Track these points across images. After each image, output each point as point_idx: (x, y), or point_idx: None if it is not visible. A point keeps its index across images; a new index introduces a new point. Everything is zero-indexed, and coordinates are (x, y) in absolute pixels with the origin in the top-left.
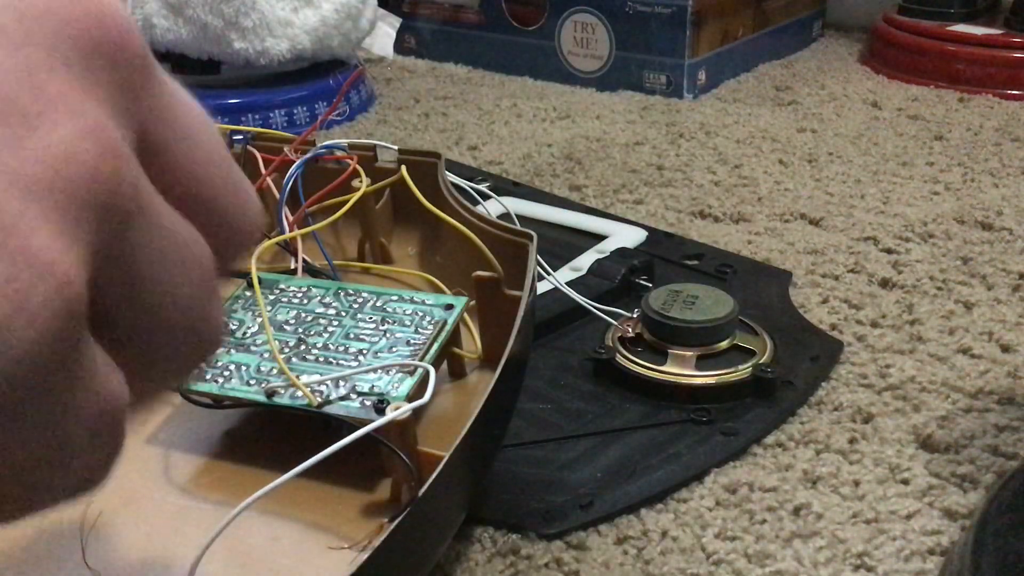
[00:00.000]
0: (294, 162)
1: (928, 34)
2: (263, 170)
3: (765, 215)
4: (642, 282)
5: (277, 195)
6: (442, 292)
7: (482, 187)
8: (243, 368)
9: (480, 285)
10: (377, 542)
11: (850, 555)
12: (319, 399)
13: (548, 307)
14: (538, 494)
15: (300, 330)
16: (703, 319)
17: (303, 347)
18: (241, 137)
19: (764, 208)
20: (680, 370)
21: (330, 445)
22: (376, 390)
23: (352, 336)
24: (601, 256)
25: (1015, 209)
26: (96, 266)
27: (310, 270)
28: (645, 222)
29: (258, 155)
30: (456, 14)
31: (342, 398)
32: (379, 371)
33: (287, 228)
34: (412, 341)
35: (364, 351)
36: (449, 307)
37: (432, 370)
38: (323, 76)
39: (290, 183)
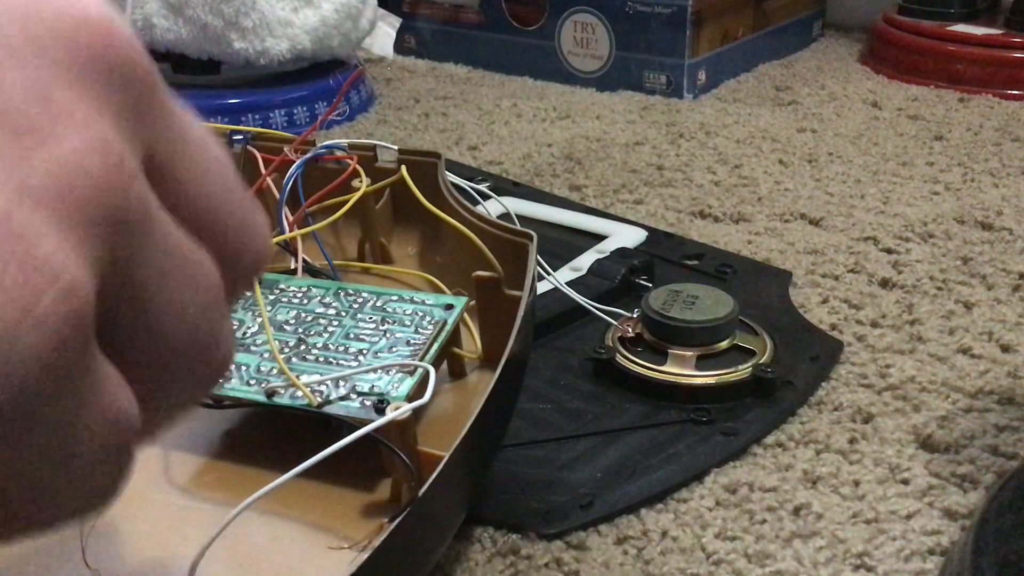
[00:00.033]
0: (294, 162)
1: (928, 34)
2: (263, 170)
3: (765, 215)
4: (642, 282)
5: (277, 195)
6: (442, 292)
7: (482, 187)
8: (243, 368)
9: (480, 285)
10: (377, 542)
11: (850, 555)
12: (319, 399)
13: (548, 307)
14: (538, 494)
15: (300, 330)
16: (703, 319)
17: (303, 347)
18: (241, 137)
19: (764, 208)
20: (680, 370)
21: (330, 445)
22: (376, 390)
23: (352, 336)
24: (601, 256)
25: (1015, 209)
26: (104, 278)
27: (310, 270)
28: (645, 222)
29: (258, 155)
30: (456, 14)
31: (342, 398)
32: (379, 371)
33: (287, 228)
34: (412, 341)
35: (364, 351)
36: (449, 307)
37: (432, 370)
38: (323, 76)
39: (290, 183)
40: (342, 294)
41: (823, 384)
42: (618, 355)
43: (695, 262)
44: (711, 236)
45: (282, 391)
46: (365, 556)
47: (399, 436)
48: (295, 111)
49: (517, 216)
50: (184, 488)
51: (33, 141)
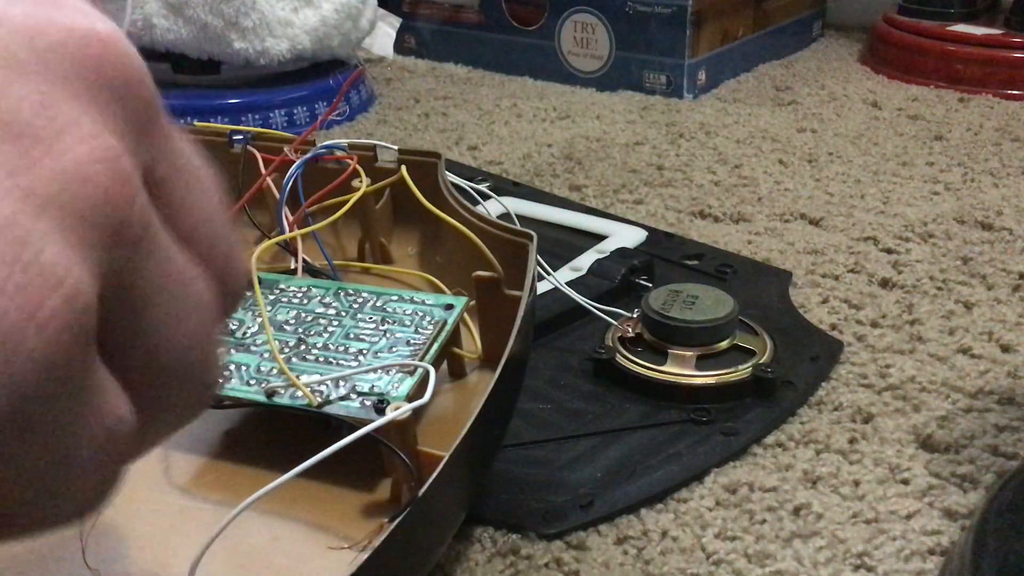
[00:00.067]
0: (294, 162)
1: (928, 34)
2: (263, 170)
3: (765, 215)
4: (642, 282)
5: (277, 195)
6: (442, 292)
7: (482, 187)
8: (243, 368)
9: (480, 285)
10: (377, 542)
11: (850, 555)
12: (319, 399)
13: (548, 307)
14: (538, 494)
15: (300, 330)
16: (703, 319)
17: (303, 347)
18: (241, 137)
19: (764, 208)
20: (680, 370)
21: (330, 445)
22: (376, 390)
23: (352, 336)
24: (601, 256)
25: (1015, 209)
26: (104, 287)
27: (310, 270)
28: (645, 222)
29: (258, 155)
30: (456, 14)
31: (342, 398)
32: (379, 371)
33: (287, 228)
34: (412, 341)
35: (364, 351)
36: (449, 307)
37: (432, 370)
38: (323, 76)
39: (290, 183)
40: (342, 294)
41: (823, 384)
42: (618, 355)
43: (695, 262)
44: (711, 236)
45: (282, 391)
46: (365, 556)
47: (399, 436)
48: (295, 111)
49: (517, 216)
50: (184, 488)
51: (40, 150)
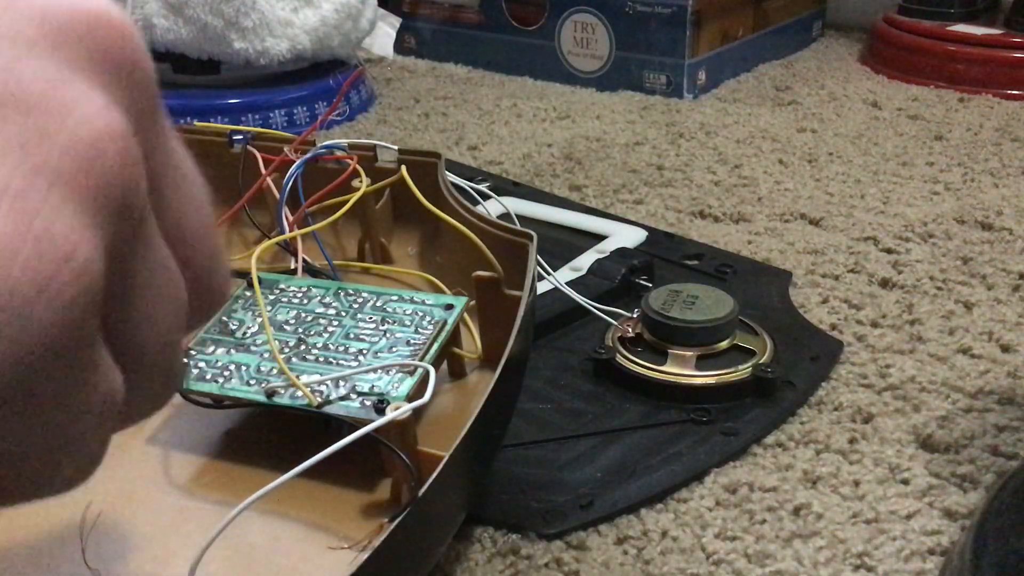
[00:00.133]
0: (294, 162)
1: (928, 34)
2: (263, 170)
3: (765, 215)
4: (642, 282)
5: (277, 195)
6: (442, 292)
7: (482, 187)
8: (243, 368)
9: (480, 285)
10: (377, 542)
11: (850, 555)
12: (319, 399)
13: (548, 307)
14: (538, 494)
15: (300, 330)
16: (703, 319)
17: (303, 347)
18: (241, 137)
19: (764, 208)
20: (680, 370)
21: (330, 445)
22: (376, 390)
23: (352, 336)
24: (601, 256)
25: (1015, 209)
26: (108, 263)
27: (310, 270)
28: (645, 222)
29: (258, 155)
30: (456, 14)
31: (342, 398)
32: (379, 371)
33: (287, 228)
34: (412, 341)
35: (364, 351)
36: (449, 307)
37: (432, 370)
38: (323, 76)
39: (290, 183)
40: (342, 294)
41: (823, 384)
42: (618, 355)
43: (695, 262)
44: (711, 236)
45: (282, 391)
46: (365, 556)
47: (399, 436)
48: (295, 111)
49: (517, 216)
50: (184, 488)
51: (51, 125)
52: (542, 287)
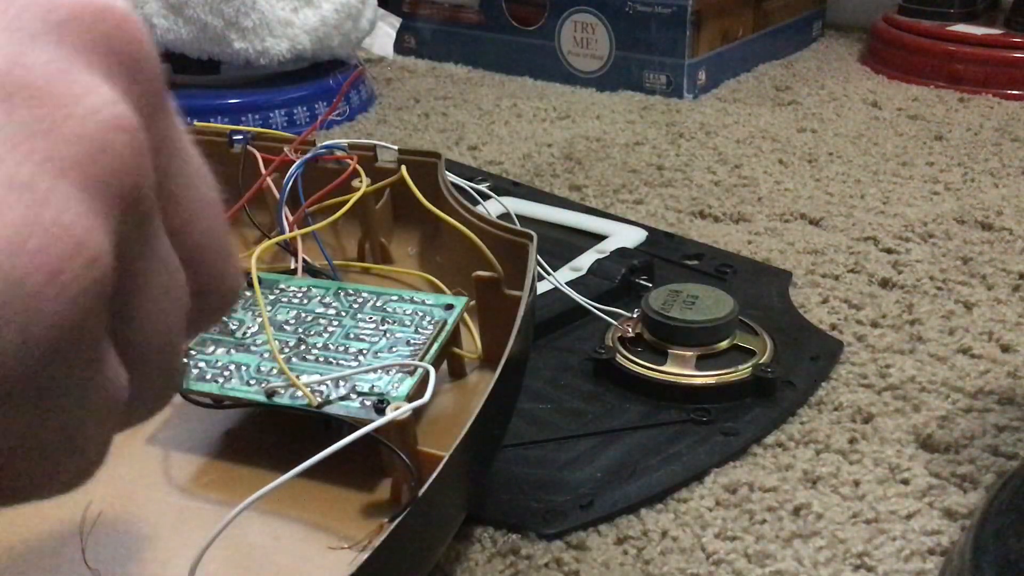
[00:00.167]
0: (294, 162)
1: (928, 34)
2: (263, 170)
3: (765, 215)
4: (642, 282)
5: (277, 195)
6: (442, 292)
7: (482, 187)
8: (243, 368)
9: (480, 285)
10: (377, 542)
11: (850, 555)
12: (319, 399)
13: (548, 307)
14: (538, 494)
15: (300, 330)
16: (703, 319)
17: (303, 347)
18: (241, 137)
19: (764, 208)
20: (680, 370)
21: (330, 445)
22: (376, 390)
23: (352, 336)
24: (601, 256)
25: (1015, 209)
26: (116, 259)
27: (310, 270)
28: (645, 222)
29: (258, 155)
30: (456, 14)
31: (342, 398)
32: (379, 371)
33: (287, 228)
34: (412, 341)
35: (364, 351)
36: (449, 307)
37: (432, 370)
38: (323, 76)
39: (290, 183)
40: (342, 294)
41: (823, 384)
42: (618, 355)
43: (695, 262)
44: (711, 236)
45: (282, 391)
46: (365, 556)
47: (399, 436)
48: (295, 111)
49: (517, 216)
50: (184, 488)
51: (60, 114)
52: (542, 287)
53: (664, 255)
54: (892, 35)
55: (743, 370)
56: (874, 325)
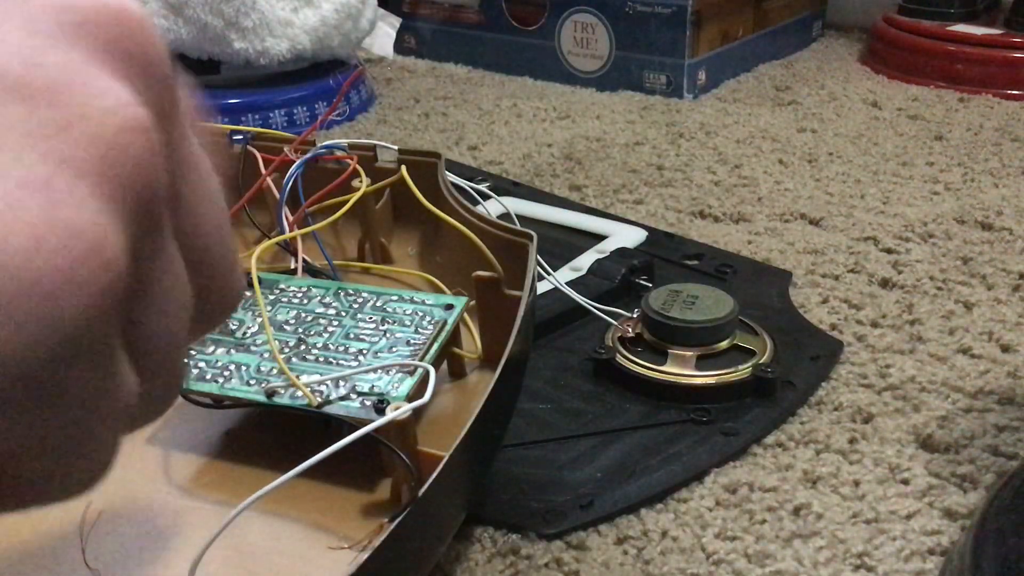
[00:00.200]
0: (294, 162)
1: (928, 34)
2: (263, 170)
3: (765, 215)
4: (642, 282)
5: (277, 195)
6: (442, 292)
7: (482, 187)
8: (243, 368)
9: (480, 285)
10: (377, 542)
11: (850, 555)
12: (319, 399)
13: (548, 307)
14: (538, 494)
15: (300, 330)
16: (703, 319)
17: (303, 347)
18: (241, 137)
19: (764, 208)
20: (680, 370)
21: (330, 445)
22: (376, 390)
23: (352, 336)
24: (601, 256)
25: (1015, 209)
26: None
27: (310, 270)
28: (645, 222)
29: (258, 155)
30: (456, 14)
31: (342, 398)
32: (379, 371)
33: (287, 228)
34: (412, 341)
35: (364, 351)
36: (449, 307)
37: (432, 370)
38: (323, 76)
39: (290, 183)
40: (342, 294)
41: (823, 384)
42: (618, 355)
43: (695, 262)
44: (711, 236)
45: (282, 391)
46: (365, 556)
47: (399, 436)
48: (295, 111)
49: (517, 216)
50: (184, 488)
51: (75, 115)
52: (542, 287)
53: (664, 255)
54: (892, 35)
55: (743, 370)
56: (874, 325)
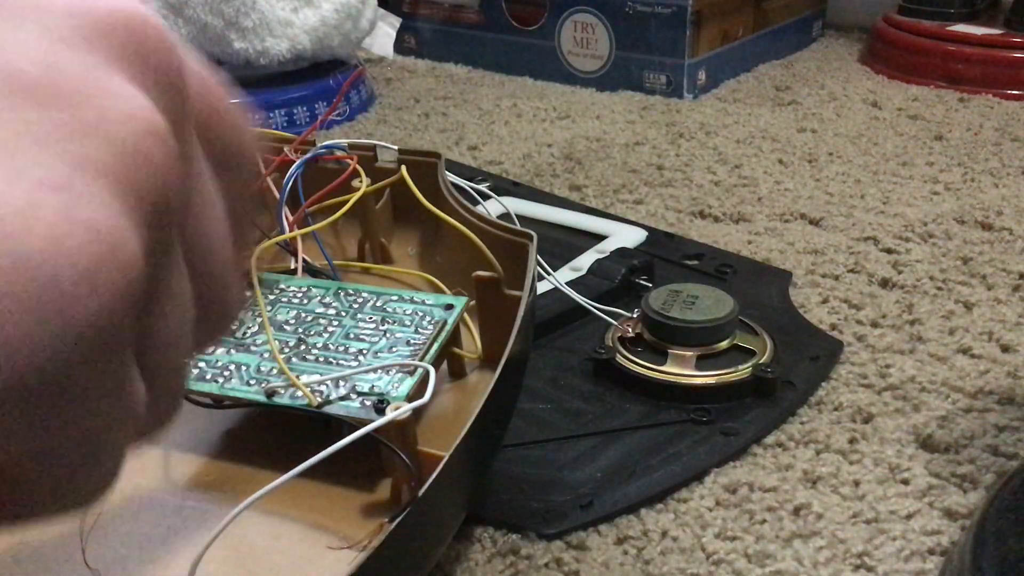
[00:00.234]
0: (294, 162)
1: (928, 34)
2: (263, 170)
3: (765, 215)
4: (642, 282)
5: (277, 195)
6: (442, 292)
7: (482, 187)
8: (243, 368)
9: (480, 285)
10: (377, 542)
11: (850, 555)
12: (319, 399)
13: (548, 307)
14: (538, 494)
15: (300, 330)
16: (703, 319)
17: (303, 347)
18: None
19: (764, 208)
20: (680, 370)
21: (330, 445)
22: (376, 390)
23: (352, 336)
24: (601, 256)
25: (1015, 209)
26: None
27: (310, 270)
28: (645, 222)
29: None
30: (456, 14)
31: (342, 398)
32: (379, 371)
33: (287, 228)
34: (412, 341)
35: (364, 351)
36: (449, 307)
37: (432, 370)
38: (323, 76)
39: (290, 183)
40: (342, 294)
41: (823, 384)
42: (618, 355)
43: (695, 262)
44: (711, 236)
45: (282, 391)
46: (365, 556)
47: (399, 436)
48: (295, 111)
49: (517, 216)
50: (184, 488)
51: (94, 118)
52: (542, 287)
53: (664, 255)
54: (892, 35)
55: (743, 370)
56: (874, 325)
